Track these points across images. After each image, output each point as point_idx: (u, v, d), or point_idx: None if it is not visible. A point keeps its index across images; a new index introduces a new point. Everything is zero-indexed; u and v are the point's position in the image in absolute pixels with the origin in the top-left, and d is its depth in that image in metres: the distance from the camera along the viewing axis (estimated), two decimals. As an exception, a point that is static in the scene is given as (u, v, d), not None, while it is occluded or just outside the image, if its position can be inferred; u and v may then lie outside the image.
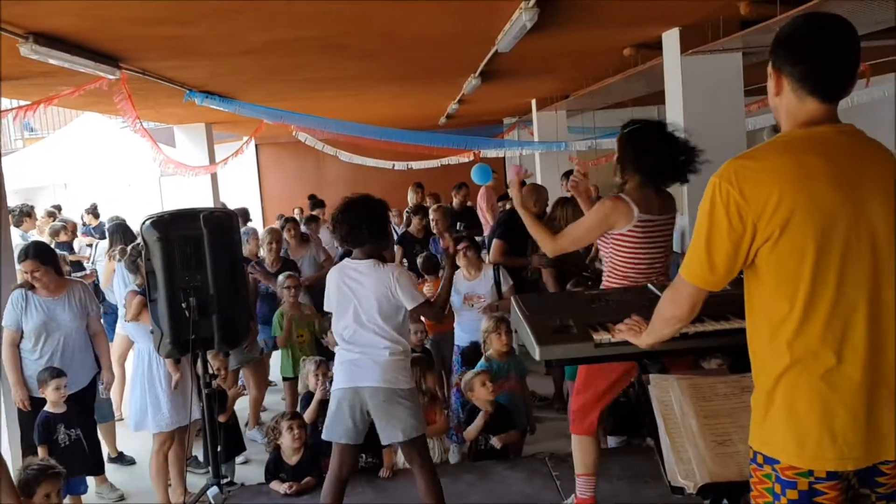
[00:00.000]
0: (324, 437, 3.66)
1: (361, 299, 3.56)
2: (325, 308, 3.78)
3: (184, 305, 4.01)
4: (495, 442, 4.59)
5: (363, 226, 3.61)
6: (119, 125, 12.14)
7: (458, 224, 8.39)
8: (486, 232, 8.84)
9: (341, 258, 6.48)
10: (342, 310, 3.61)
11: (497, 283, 5.80)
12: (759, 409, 1.96)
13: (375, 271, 3.61)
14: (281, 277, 6.03)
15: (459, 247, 5.69)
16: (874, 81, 8.10)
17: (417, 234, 7.45)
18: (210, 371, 4.24)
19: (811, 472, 1.86)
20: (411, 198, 10.03)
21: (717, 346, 2.54)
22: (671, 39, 5.64)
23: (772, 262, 1.89)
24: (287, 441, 4.36)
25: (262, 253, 6.65)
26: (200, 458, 5.09)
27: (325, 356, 5.14)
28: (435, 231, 7.17)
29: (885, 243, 1.88)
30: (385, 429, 3.56)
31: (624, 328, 2.46)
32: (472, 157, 10.54)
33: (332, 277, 3.70)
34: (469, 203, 9.85)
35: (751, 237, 1.89)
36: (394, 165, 11.18)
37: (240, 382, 6.00)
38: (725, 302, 2.44)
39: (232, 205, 11.04)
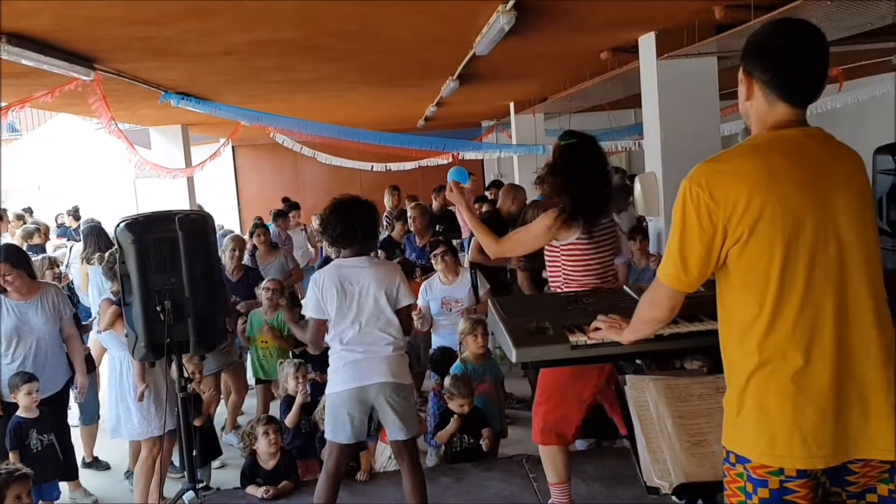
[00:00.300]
0: (329, 437, 3.64)
1: (366, 296, 3.55)
2: (311, 314, 3.65)
3: (158, 309, 3.97)
4: (484, 444, 4.60)
5: (356, 226, 3.61)
6: (94, 127, 12.01)
7: (438, 227, 8.39)
8: (465, 234, 8.85)
9: (323, 264, 6.45)
10: (344, 311, 3.56)
11: (474, 287, 5.81)
12: (730, 409, 1.98)
13: (377, 265, 3.66)
14: (266, 281, 5.99)
15: (437, 251, 5.71)
16: (847, 86, 8.23)
17: (399, 239, 7.46)
18: (185, 375, 4.20)
19: (782, 471, 1.89)
20: (388, 201, 10.02)
21: (691, 347, 2.56)
22: (647, 43, 5.69)
23: (741, 264, 1.92)
24: (263, 446, 4.33)
25: (225, 260, 6.47)
26: (176, 462, 5.04)
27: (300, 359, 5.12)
28: (412, 229, 7.16)
29: (851, 244, 1.91)
30: (392, 426, 3.57)
31: (603, 325, 2.47)
32: (450, 159, 10.56)
33: (328, 281, 3.58)
34: (448, 206, 9.85)
35: (721, 239, 1.92)
36: (372, 167, 11.15)
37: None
38: (699, 304, 2.46)
39: (208, 208, 10.97)
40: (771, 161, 1.91)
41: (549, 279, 3.59)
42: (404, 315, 3.67)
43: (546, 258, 3.54)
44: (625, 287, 3.02)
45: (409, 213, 7.28)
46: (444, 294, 5.72)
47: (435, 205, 9.31)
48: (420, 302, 5.73)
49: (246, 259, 7.00)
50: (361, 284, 3.56)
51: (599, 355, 2.52)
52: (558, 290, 3.47)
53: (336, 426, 3.57)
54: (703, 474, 2.19)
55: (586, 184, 3.32)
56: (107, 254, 5.04)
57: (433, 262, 5.82)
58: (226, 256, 6.44)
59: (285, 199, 11.31)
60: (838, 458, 1.90)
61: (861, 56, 7.37)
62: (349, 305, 3.55)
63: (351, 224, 3.61)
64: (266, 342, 5.77)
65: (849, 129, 5.81)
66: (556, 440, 3.45)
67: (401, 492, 4.06)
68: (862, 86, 8.52)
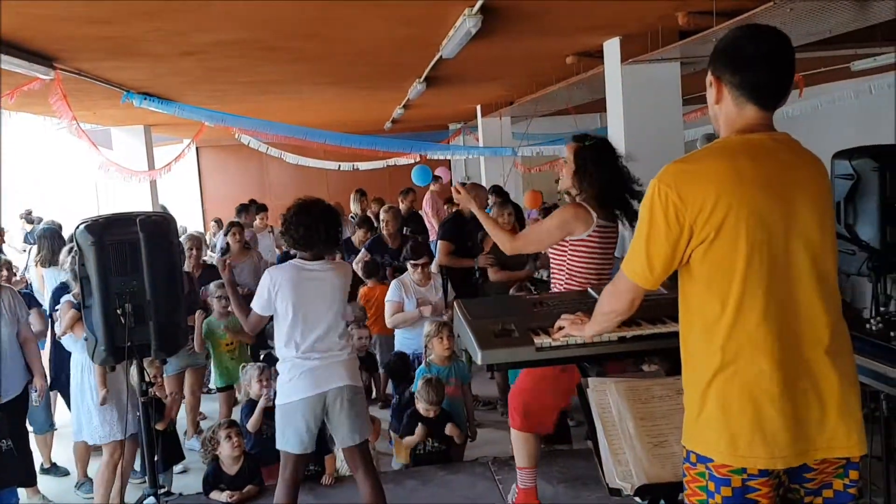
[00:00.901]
0: (279, 447, 3.55)
1: (325, 301, 3.51)
2: (256, 309, 3.54)
3: (119, 312, 3.90)
4: (456, 436, 4.61)
5: (319, 229, 3.55)
6: (56, 126, 11.78)
7: (405, 229, 8.39)
8: (432, 237, 8.85)
9: (281, 260, 6.39)
10: (300, 316, 3.47)
11: (444, 291, 5.83)
12: (692, 409, 2.00)
13: (335, 269, 3.61)
14: (213, 286, 5.90)
15: (420, 262, 5.69)
16: (806, 92, 8.38)
17: (358, 245, 7.48)
18: (146, 379, 4.13)
19: (744, 470, 1.91)
20: (354, 206, 9.99)
21: (653, 349, 2.59)
22: (612, 48, 5.74)
23: (706, 264, 1.95)
24: (226, 450, 4.28)
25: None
26: (137, 467, 4.97)
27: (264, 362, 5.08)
28: (384, 232, 7.15)
29: (812, 248, 1.95)
30: (343, 431, 3.51)
31: (566, 323, 2.50)
32: (417, 159, 10.57)
33: (285, 282, 3.49)
34: (415, 208, 9.85)
35: (687, 238, 1.94)
36: (339, 166, 11.10)
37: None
38: (661, 305, 2.50)
39: (172, 209, 10.83)
40: (738, 164, 1.94)
41: (552, 279, 3.63)
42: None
43: (551, 257, 3.60)
44: (588, 289, 3.04)
45: (381, 217, 7.25)
46: (419, 295, 5.72)
47: (402, 207, 9.29)
48: (394, 297, 5.73)
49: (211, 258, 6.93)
50: (321, 290, 3.51)
51: (564, 357, 2.53)
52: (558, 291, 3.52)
53: (290, 436, 3.49)
54: (664, 475, 2.22)
55: (612, 177, 3.44)
56: (67, 255, 4.95)
57: (411, 269, 5.79)
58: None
59: (252, 201, 11.20)
60: (799, 459, 1.93)
61: (821, 63, 7.52)
62: (307, 310, 3.48)
63: (313, 227, 3.55)
64: (231, 344, 5.71)
65: (810, 134, 5.91)
66: (535, 427, 3.53)
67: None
68: (821, 93, 8.68)
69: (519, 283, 5.86)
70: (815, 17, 4.27)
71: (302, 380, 3.46)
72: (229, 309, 5.52)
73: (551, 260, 3.60)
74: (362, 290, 6.54)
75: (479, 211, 3.84)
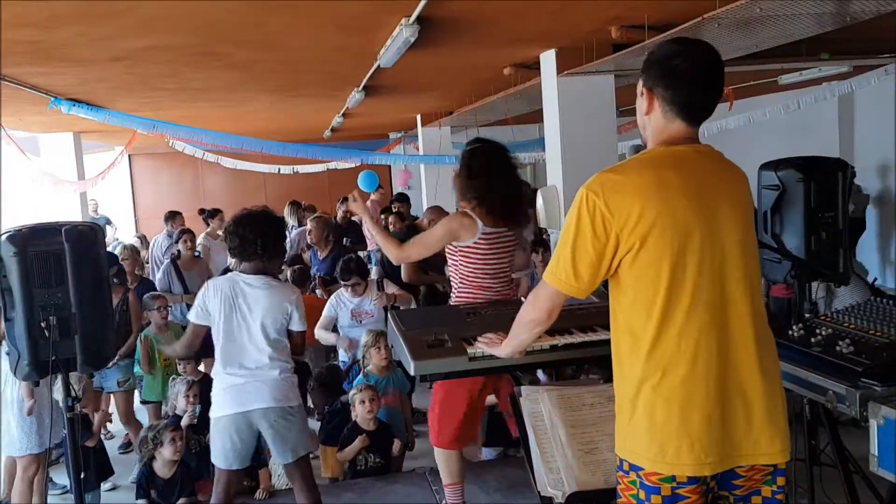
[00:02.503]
0: (215, 462, 3.51)
1: (255, 318, 3.44)
2: (193, 319, 3.53)
3: (43, 325, 3.77)
4: (395, 448, 4.58)
5: (258, 240, 3.49)
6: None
7: (345, 239, 8.32)
8: (371, 247, 8.80)
9: (224, 273, 6.26)
10: (230, 330, 3.44)
11: (382, 290, 5.80)
12: (622, 417, 2.02)
13: (274, 287, 3.53)
14: (147, 298, 5.75)
15: (350, 282, 5.62)
16: (736, 105, 8.63)
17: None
18: (73, 394, 4.00)
19: (674, 478, 1.94)
20: (290, 218, 9.86)
21: (585, 357, 2.61)
22: (548, 60, 5.81)
23: (632, 274, 1.97)
24: (168, 452, 4.19)
25: None
26: (60, 481, 4.81)
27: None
28: (310, 242, 7.09)
29: (735, 256, 2.00)
30: (278, 449, 3.48)
31: (483, 342, 2.50)
32: (358, 163, 10.51)
33: (220, 292, 3.48)
34: (352, 216, 9.77)
35: (613, 248, 1.96)
36: (279, 170, 10.96)
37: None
38: (593, 315, 2.52)
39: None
40: (663, 175, 1.97)
41: (451, 285, 3.68)
42: (296, 338, 3.60)
43: (448, 262, 3.64)
44: (522, 298, 3.05)
45: (307, 226, 7.19)
46: (353, 307, 5.67)
47: (339, 215, 9.22)
48: (328, 312, 5.68)
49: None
50: (253, 305, 3.46)
51: (497, 367, 2.54)
52: (456, 297, 3.57)
53: (221, 451, 3.46)
54: (594, 482, 2.23)
55: (493, 183, 3.48)
56: None
57: (344, 288, 5.74)
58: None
59: (202, 210, 10.89)
60: (725, 465, 1.97)
61: (750, 76, 7.75)
62: (237, 325, 3.44)
63: (253, 238, 3.49)
64: (167, 361, 5.58)
65: (740, 146, 6.09)
66: (450, 443, 3.55)
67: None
68: (750, 107, 8.94)
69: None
70: (742, 32, 4.39)
71: (227, 395, 3.43)
72: (167, 322, 5.41)
73: (448, 266, 3.66)
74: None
75: (370, 220, 3.82)
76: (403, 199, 10.52)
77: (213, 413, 3.48)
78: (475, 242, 3.46)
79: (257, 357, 3.44)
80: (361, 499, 4.26)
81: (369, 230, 3.81)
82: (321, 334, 5.69)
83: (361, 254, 8.14)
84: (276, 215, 3.69)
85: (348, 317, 5.66)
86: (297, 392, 3.61)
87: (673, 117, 2.02)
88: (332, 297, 5.85)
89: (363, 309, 5.68)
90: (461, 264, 3.53)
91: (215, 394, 3.48)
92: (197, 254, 7.50)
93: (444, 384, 3.45)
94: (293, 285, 3.92)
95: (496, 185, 3.47)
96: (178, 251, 7.21)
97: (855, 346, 2.47)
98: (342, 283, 5.76)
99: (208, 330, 3.53)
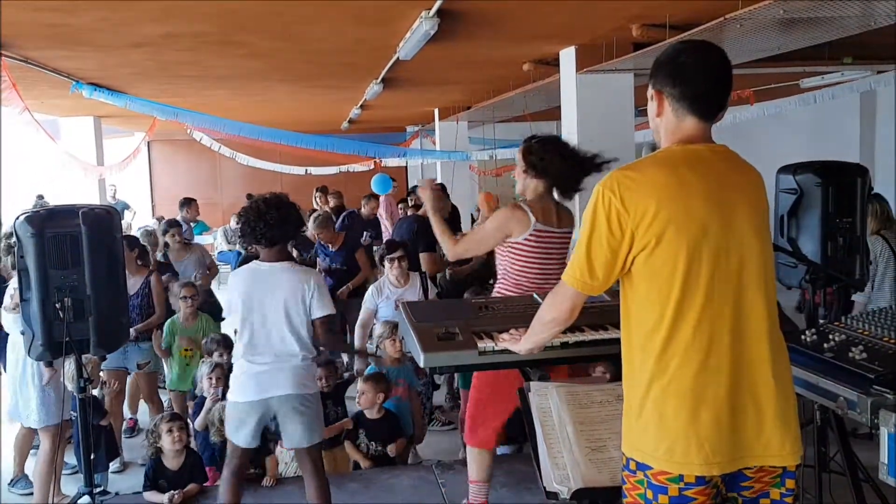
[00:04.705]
0: (228, 436, 3.57)
1: (276, 303, 3.45)
2: (227, 314, 3.61)
3: (58, 306, 3.80)
4: (390, 450, 4.57)
5: (287, 226, 3.51)
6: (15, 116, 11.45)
7: (365, 234, 8.34)
8: (387, 238, 8.82)
9: (242, 262, 6.28)
10: (250, 318, 3.45)
11: (425, 291, 5.79)
12: (630, 416, 2.02)
13: (294, 271, 3.54)
14: (177, 286, 5.79)
15: (395, 255, 5.62)
16: (757, 107, 8.57)
17: (313, 240, 7.42)
18: (84, 375, 4.03)
19: (681, 478, 1.93)
20: (316, 203, 9.89)
21: (595, 355, 2.60)
22: (568, 57, 5.80)
23: (646, 272, 1.96)
24: (167, 444, 4.20)
25: None
26: (73, 462, 4.85)
27: None
28: (322, 241, 7.09)
29: (749, 257, 1.98)
30: (291, 434, 3.50)
31: (506, 338, 2.49)
32: (372, 165, 10.50)
33: (241, 282, 3.51)
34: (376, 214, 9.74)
35: (629, 245, 1.96)
36: (291, 171, 10.99)
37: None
38: (604, 312, 2.51)
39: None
40: (679, 174, 1.97)
41: (498, 283, 3.60)
42: (318, 326, 3.55)
43: (497, 261, 3.58)
44: (534, 294, 3.05)
45: (313, 228, 7.13)
46: (395, 297, 5.63)
47: (364, 211, 9.22)
48: (368, 304, 5.68)
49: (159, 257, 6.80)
50: (273, 291, 3.46)
51: (507, 361, 2.53)
52: (496, 290, 3.52)
53: (233, 430, 3.52)
54: (601, 480, 2.23)
55: (556, 165, 3.42)
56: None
57: (388, 265, 5.71)
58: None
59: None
60: (734, 465, 1.96)
61: (771, 79, 7.70)
62: (257, 312, 3.45)
63: (273, 224, 3.48)
64: (188, 350, 5.59)
65: (757, 148, 6.05)
66: (483, 443, 3.52)
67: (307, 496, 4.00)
68: (771, 110, 8.88)
69: (476, 287, 5.86)
70: (764, 34, 4.36)
71: (248, 382, 3.45)
72: (195, 312, 5.46)
73: (497, 264, 3.60)
74: None
75: (433, 214, 3.75)
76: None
77: (232, 398, 3.52)
78: (525, 239, 3.38)
79: (278, 344, 3.46)
80: (367, 490, 4.27)
81: (431, 221, 3.75)
82: (359, 333, 5.67)
83: (377, 249, 8.16)
84: (291, 202, 3.66)
85: (391, 308, 5.57)
86: (315, 380, 3.64)
87: (684, 114, 2.02)
88: (371, 287, 5.83)
89: (406, 300, 5.63)
90: (506, 261, 3.46)
91: (235, 379, 3.51)
92: (187, 241, 7.45)
93: (489, 384, 3.40)
94: (313, 269, 3.85)
95: (562, 170, 3.43)
96: (167, 243, 7.13)
97: (868, 352, 2.45)
98: (387, 258, 5.73)
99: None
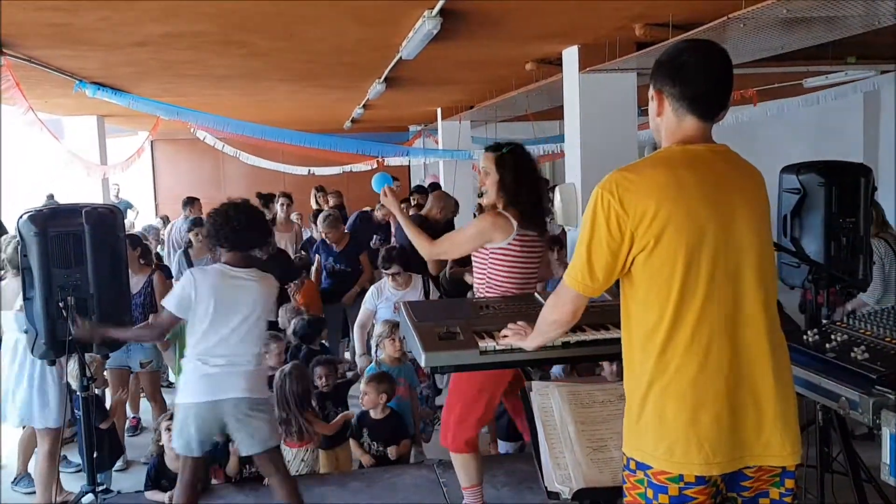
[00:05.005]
0: (177, 450, 3.51)
1: (244, 310, 3.44)
2: (172, 310, 3.45)
3: (61, 305, 3.82)
4: (391, 452, 4.57)
5: (246, 231, 3.50)
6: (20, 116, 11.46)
7: (375, 238, 8.31)
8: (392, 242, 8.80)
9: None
10: (217, 319, 3.41)
11: (426, 294, 5.78)
12: (631, 416, 2.02)
13: (261, 280, 3.54)
14: None
15: (390, 271, 5.59)
16: (760, 107, 8.56)
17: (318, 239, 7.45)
18: (87, 374, 4.05)
19: (681, 478, 1.93)
20: (315, 203, 9.88)
21: (597, 354, 2.60)
22: (570, 56, 5.78)
23: (645, 272, 1.97)
24: (168, 443, 4.20)
25: None
26: (77, 461, 4.87)
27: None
28: (328, 241, 7.09)
29: (749, 257, 1.99)
30: (245, 440, 3.47)
31: (510, 332, 2.50)
32: (375, 165, 10.49)
33: (206, 282, 3.43)
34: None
35: (628, 246, 1.96)
36: (295, 170, 10.98)
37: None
38: (606, 312, 2.52)
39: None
40: (679, 174, 1.97)
41: (475, 284, 3.63)
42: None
43: (474, 263, 3.58)
44: (535, 294, 3.05)
45: (322, 229, 7.14)
46: (396, 299, 5.61)
47: (378, 214, 9.20)
48: (368, 306, 5.68)
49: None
50: (236, 295, 3.44)
51: (507, 361, 2.53)
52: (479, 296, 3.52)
53: (178, 436, 3.44)
54: (602, 479, 2.23)
55: (525, 185, 3.45)
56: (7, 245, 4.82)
57: (388, 278, 5.70)
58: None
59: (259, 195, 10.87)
60: (734, 465, 1.96)
61: (775, 79, 7.68)
62: (221, 316, 3.40)
63: (239, 229, 3.48)
64: None
65: (761, 149, 6.06)
66: (469, 448, 3.51)
67: (309, 496, 4.00)
68: (774, 110, 8.86)
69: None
70: (767, 33, 4.34)
71: (199, 384, 3.40)
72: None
73: (473, 267, 3.60)
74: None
75: (401, 214, 3.80)
76: (422, 191, 10.52)
77: (180, 398, 3.46)
78: (509, 244, 3.39)
79: (236, 348, 3.42)
80: (368, 489, 4.27)
81: (401, 224, 3.76)
82: (358, 333, 5.67)
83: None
84: (259, 210, 3.68)
85: (390, 309, 5.57)
86: (266, 385, 3.64)
87: (684, 113, 2.02)
88: (372, 288, 5.83)
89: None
90: (490, 267, 3.45)
91: (185, 381, 3.45)
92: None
93: (476, 384, 3.38)
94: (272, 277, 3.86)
95: (528, 188, 3.46)
96: (190, 240, 7.22)
97: (870, 352, 2.45)
98: (383, 271, 5.73)
99: (117, 319, 3.64)
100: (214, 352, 3.40)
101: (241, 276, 3.49)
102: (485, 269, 3.48)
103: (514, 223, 3.39)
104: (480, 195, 3.63)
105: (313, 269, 7.32)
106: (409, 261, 5.84)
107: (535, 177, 3.53)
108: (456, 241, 3.65)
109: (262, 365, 3.58)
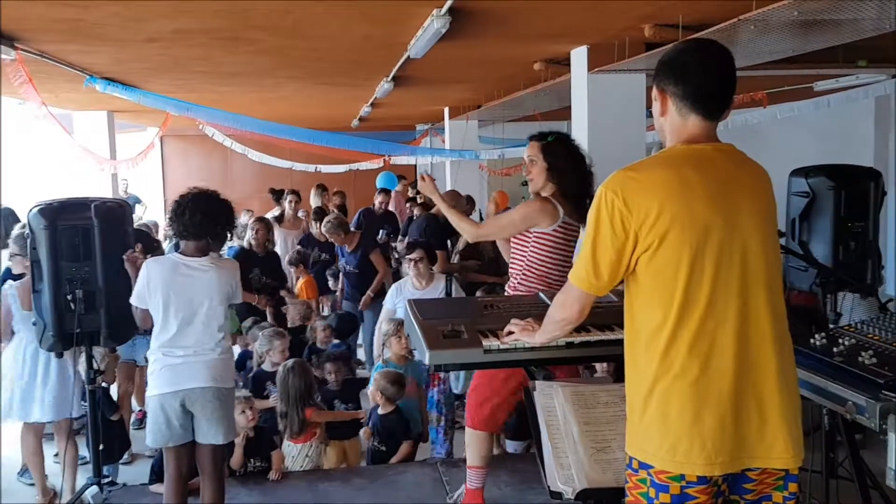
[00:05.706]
0: (149, 444, 3.53)
1: (200, 299, 3.43)
2: (135, 303, 3.48)
3: (69, 298, 3.84)
4: (395, 459, 4.59)
5: (204, 221, 3.48)
6: (32, 111, 11.51)
7: (381, 232, 8.30)
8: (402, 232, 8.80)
9: (235, 257, 6.22)
10: (171, 312, 3.41)
11: (448, 294, 5.75)
12: (634, 415, 2.02)
13: (218, 267, 3.53)
14: None
15: (413, 256, 5.51)
16: (770, 110, 8.53)
17: (319, 238, 7.44)
18: (95, 367, 4.07)
19: (683, 477, 1.93)
20: (315, 200, 9.87)
21: (600, 355, 2.60)
22: (579, 57, 5.78)
23: (650, 272, 1.97)
24: None
25: None
26: (83, 454, 4.89)
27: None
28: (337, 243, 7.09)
29: (754, 257, 1.98)
30: (205, 429, 3.45)
31: (516, 328, 2.50)
32: (381, 163, 10.50)
33: (160, 273, 3.44)
34: (389, 209, 9.70)
35: (632, 246, 1.96)
36: (301, 168, 10.99)
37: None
38: (611, 313, 2.51)
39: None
40: (683, 173, 1.96)
41: (510, 271, 3.64)
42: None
43: (513, 249, 3.59)
44: (540, 294, 3.05)
45: (323, 228, 7.10)
46: (416, 297, 5.58)
47: (375, 205, 9.19)
48: (387, 304, 5.66)
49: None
50: (194, 285, 3.43)
51: (511, 360, 2.54)
52: (517, 286, 3.53)
53: (156, 431, 3.44)
54: (605, 480, 2.23)
55: (573, 175, 3.48)
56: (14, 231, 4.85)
57: (407, 266, 5.62)
58: None
59: (272, 190, 10.88)
60: (736, 466, 1.96)
61: (784, 81, 7.65)
62: (178, 307, 3.40)
63: (199, 219, 3.47)
64: None
65: (770, 152, 6.02)
66: (487, 425, 3.54)
67: (313, 491, 4.03)
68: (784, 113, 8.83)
69: (487, 286, 5.85)
70: (778, 35, 4.33)
71: (163, 375, 3.41)
72: None
73: (511, 251, 3.61)
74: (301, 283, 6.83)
75: (442, 202, 3.82)
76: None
77: (149, 393, 3.47)
78: (554, 230, 3.42)
79: (198, 337, 3.42)
80: (371, 486, 4.28)
81: (443, 210, 3.79)
82: (377, 334, 5.61)
83: (395, 244, 8.17)
84: (223, 198, 3.65)
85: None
86: (233, 374, 3.63)
87: (687, 112, 2.01)
88: (393, 287, 5.76)
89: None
90: (531, 252, 3.47)
91: (151, 373, 3.46)
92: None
93: (497, 371, 3.40)
94: (236, 262, 3.83)
95: (577, 176, 3.48)
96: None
97: (878, 357, 2.44)
98: (405, 259, 5.64)
99: (125, 312, 3.56)
100: (175, 342, 3.41)
101: (195, 266, 3.47)
102: (525, 255, 3.50)
103: (561, 210, 3.42)
104: (524, 184, 3.66)
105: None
106: (432, 253, 5.76)
107: (583, 166, 3.53)
108: (501, 224, 3.67)
109: (227, 352, 3.55)
